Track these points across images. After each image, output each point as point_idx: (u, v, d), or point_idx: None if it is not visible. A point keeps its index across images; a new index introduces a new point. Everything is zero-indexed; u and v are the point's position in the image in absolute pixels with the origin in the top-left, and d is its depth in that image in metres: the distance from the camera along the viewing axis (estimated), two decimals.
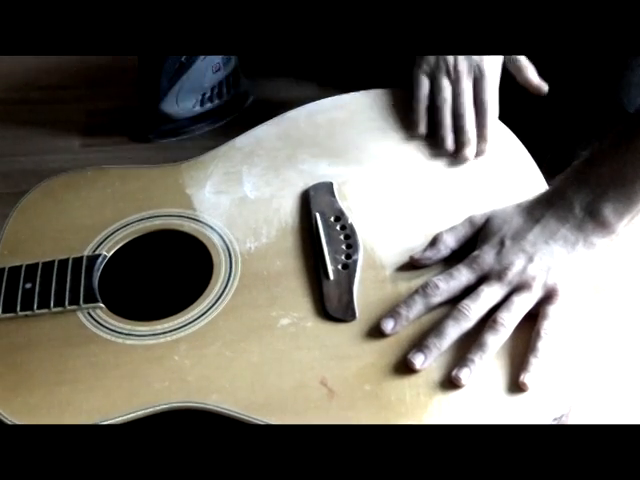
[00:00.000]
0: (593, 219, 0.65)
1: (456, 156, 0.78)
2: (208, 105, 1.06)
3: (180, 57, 1.01)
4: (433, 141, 0.79)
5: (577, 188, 0.66)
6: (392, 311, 0.64)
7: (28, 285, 0.67)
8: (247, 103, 1.09)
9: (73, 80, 1.14)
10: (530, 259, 0.64)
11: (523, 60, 0.82)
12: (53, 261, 0.69)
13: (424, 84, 0.82)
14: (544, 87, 0.83)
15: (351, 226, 0.71)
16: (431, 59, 0.82)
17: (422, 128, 0.81)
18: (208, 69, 1.03)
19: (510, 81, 0.82)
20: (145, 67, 1.03)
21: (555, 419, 0.59)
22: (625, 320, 0.64)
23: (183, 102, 1.03)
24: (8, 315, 0.66)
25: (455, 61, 0.81)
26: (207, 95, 1.05)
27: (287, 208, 0.74)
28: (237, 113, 1.08)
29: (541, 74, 0.82)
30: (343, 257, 0.69)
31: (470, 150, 0.78)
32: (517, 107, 0.82)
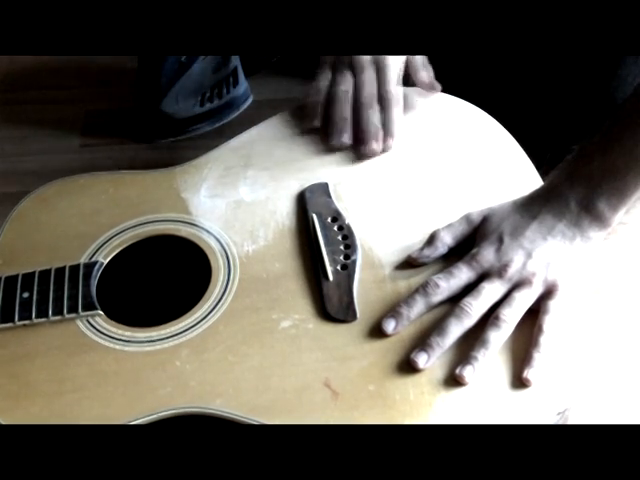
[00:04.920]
0: (589, 213, 0.65)
1: (360, 150, 0.76)
2: (208, 105, 1.05)
3: (180, 57, 1.01)
4: (427, 140, 0.79)
5: (571, 183, 0.66)
6: (393, 311, 0.64)
7: (25, 294, 0.67)
8: (247, 103, 1.09)
9: (73, 80, 1.14)
10: (529, 255, 0.64)
11: (419, 60, 0.81)
12: (50, 269, 0.68)
13: (325, 75, 0.80)
14: (437, 87, 0.81)
15: (348, 226, 0.71)
16: None
17: (316, 121, 0.79)
18: (208, 69, 1.03)
19: (508, 82, 0.82)
20: (145, 67, 1.03)
21: (559, 413, 0.59)
22: (625, 315, 0.65)
23: (183, 102, 1.03)
24: (6, 325, 0.65)
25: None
26: (207, 95, 1.05)
27: (283, 210, 0.74)
28: (237, 113, 1.08)
29: (537, 73, 0.82)
30: (342, 258, 0.69)
31: (375, 144, 0.76)
32: (515, 107, 0.82)
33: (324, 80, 0.80)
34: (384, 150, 0.77)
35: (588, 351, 0.62)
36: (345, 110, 0.78)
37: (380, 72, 0.79)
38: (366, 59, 0.78)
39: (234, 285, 0.68)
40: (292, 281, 0.68)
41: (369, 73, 0.78)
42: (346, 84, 0.78)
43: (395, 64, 0.79)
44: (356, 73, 0.79)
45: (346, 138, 0.77)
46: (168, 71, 0.99)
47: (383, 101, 0.78)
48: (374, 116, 0.77)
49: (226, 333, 0.64)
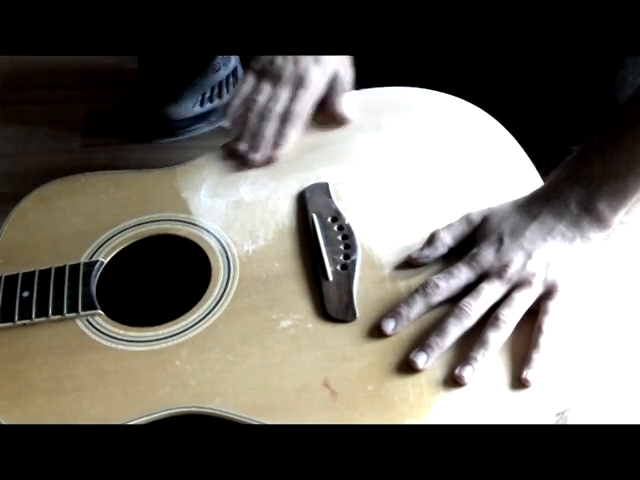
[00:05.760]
0: (589, 214, 0.65)
1: (245, 158, 0.77)
2: (208, 105, 1.06)
3: (181, 57, 1.01)
4: (427, 140, 0.79)
5: (571, 184, 0.66)
6: (393, 311, 0.64)
7: (25, 294, 0.67)
8: None
9: (73, 80, 1.14)
10: (529, 256, 0.64)
11: (343, 82, 0.80)
12: (50, 269, 0.68)
13: (248, 82, 0.80)
14: (346, 119, 0.81)
15: (348, 226, 0.71)
16: (264, 59, 0.80)
17: (226, 123, 0.80)
18: (208, 69, 1.03)
19: (508, 82, 0.82)
20: (145, 67, 1.03)
21: (558, 414, 0.59)
22: (624, 315, 0.65)
23: (183, 102, 1.03)
24: (6, 324, 0.65)
25: (282, 67, 0.79)
26: (207, 95, 1.05)
27: (284, 210, 0.74)
28: None
29: (539, 73, 0.82)
30: (342, 258, 0.69)
31: (257, 155, 0.77)
32: (516, 107, 0.82)
33: (246, 85, 0.80)
34: (268, 161, 0.77)
35: (588, 352, 0.62)
36: (251, 119, 0.78)
37: (297, 90, 0.78)
38: (289, 74, 0.78)
39: (234, 285, 0.68)
40: (292, 281, 0.68)
41: (285, 89, 0.79)
42: (261, 94, 0.79)
43: (317, 84, 0.79)
44: (275, 86, 0.79)
45: (241, 146, 0.78)
46: (168, 71, 1.00)
47: (284, 117, 0.78)
48: (268, 129, 0.77)
49: (226, 333, 0.64)
